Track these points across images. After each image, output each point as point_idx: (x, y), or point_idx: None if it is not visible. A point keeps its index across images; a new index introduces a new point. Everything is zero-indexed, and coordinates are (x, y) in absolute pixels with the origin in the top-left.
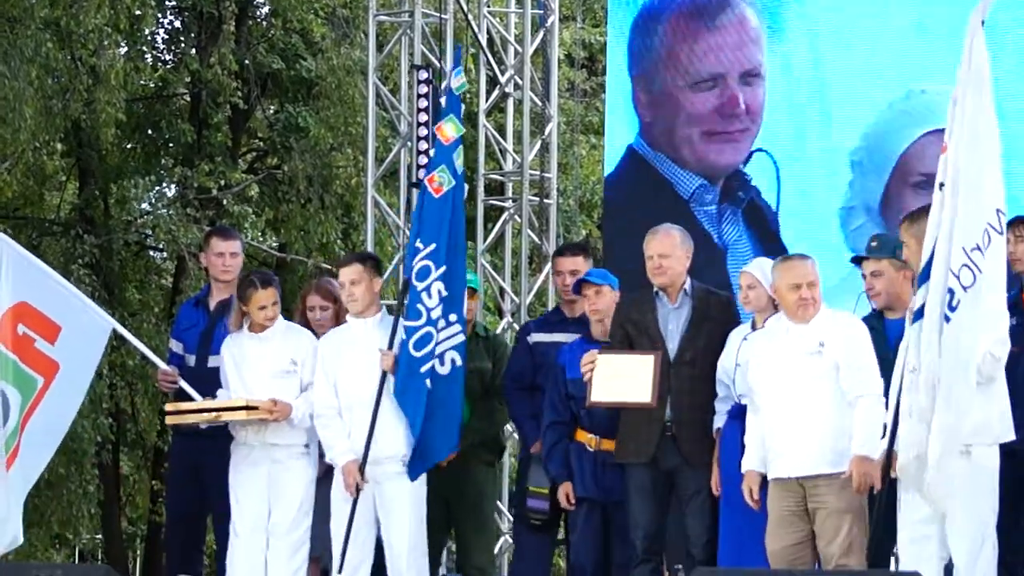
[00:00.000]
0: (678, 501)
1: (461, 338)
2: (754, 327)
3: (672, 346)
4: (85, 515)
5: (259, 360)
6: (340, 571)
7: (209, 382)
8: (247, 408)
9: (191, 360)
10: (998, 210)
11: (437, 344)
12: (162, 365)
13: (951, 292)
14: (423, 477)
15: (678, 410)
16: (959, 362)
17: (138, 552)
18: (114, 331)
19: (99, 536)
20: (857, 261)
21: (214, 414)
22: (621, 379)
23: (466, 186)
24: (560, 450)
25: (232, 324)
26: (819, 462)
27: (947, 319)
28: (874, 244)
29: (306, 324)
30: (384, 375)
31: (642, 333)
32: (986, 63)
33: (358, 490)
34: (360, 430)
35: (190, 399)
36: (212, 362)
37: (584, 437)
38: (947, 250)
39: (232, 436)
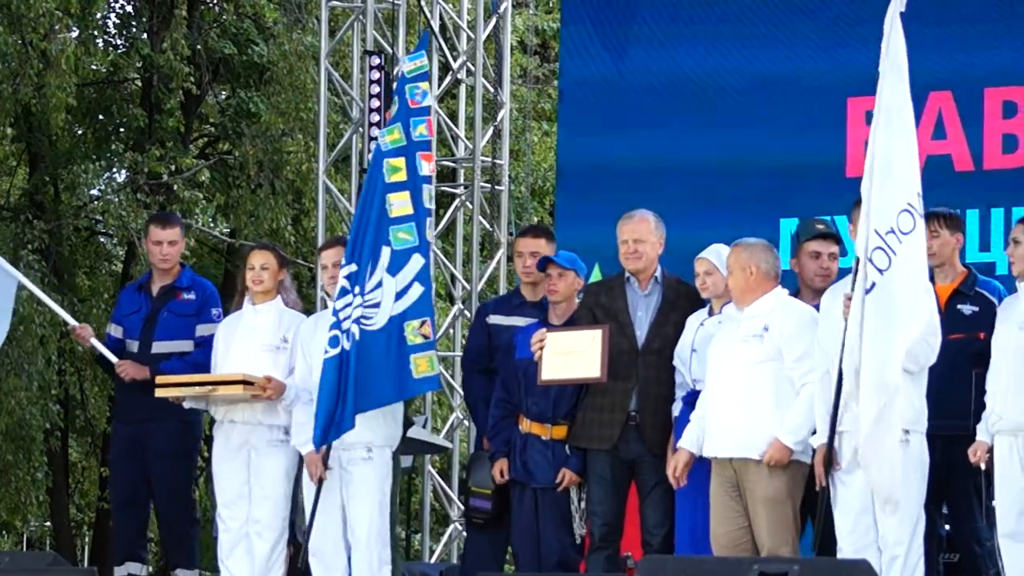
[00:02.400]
0: (639, 490)
1: (360, 311)
2: (711, 313)
3: (640, 333)
4: (33, 502)
5: (251, 331)
6: (303, 560)
7: (152, 368)
8: (243, 383)
9: (134, 346)
10: (918, 193)
11: (347, 318)
12: (71, 321)
13: (866, 276)
14: (390, 466)
15: (643, 399)
16: (879, 344)
17: (86, 539)
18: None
19: (47, 523)
20: (809, 239)
21: (208, 387)
22: (570, 356)
23: (394, 161)
24: (505, 427)
25: (235, 303)
26: (748, 447)
27: (864, 302)
28: (822, 227)
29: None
30: None
31: (611, 318)
32: (903, 51)
33: (321, 480)
34: None
35: (110, 364)
36: (156, 348)
37: (519, 420)
38: (864, 235)
39: (175, 421)
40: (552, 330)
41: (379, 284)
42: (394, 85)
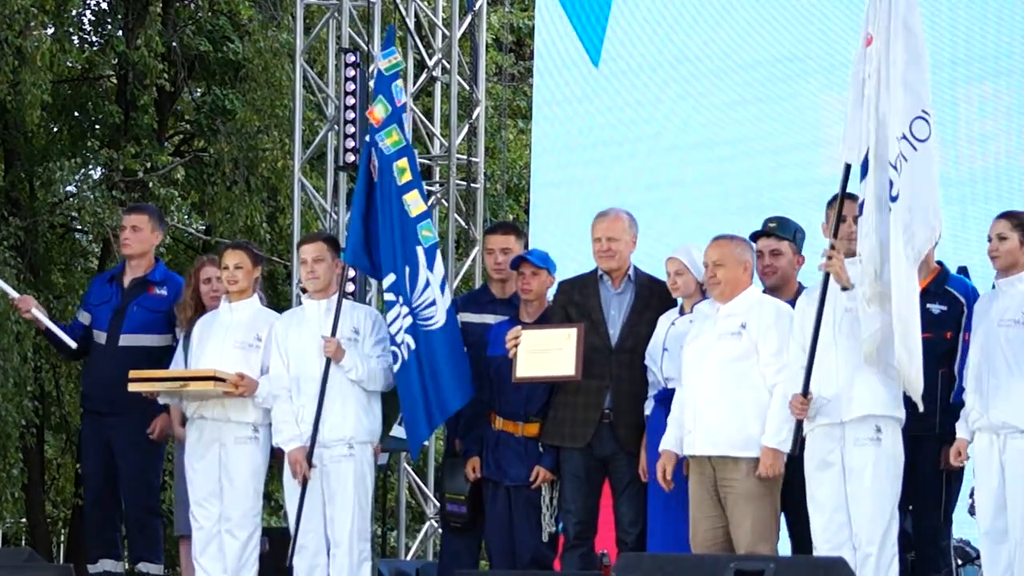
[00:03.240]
0: (613, 488)
1: (409, 320)
2: (682, 312)
3: (614, 331)
4: (9, 499)
5: (227, 329)
6: (290, 560)
7: (119, 361)
8: (214, 379)
9: (101, 337)
10: (924, 110)
11: (399, 330)
12: (13, 293)
13: (891, 182)
14: (370, 463)
15: (617, 397)
16: (902, 242)
17: (62, 536)
18: None
19: (23, 520)
20: (756, 238)
21: (180, 383)
22: (545, 353)
23: (399, 163)
24: (477, 425)
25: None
26: (727, 444)
27: (890, 209)
28: (773, 224)
29: (198, 298)
30: (328, 360)
31: (584, 316)
32: None
33: (305, 479)
34: (308, 411)
35: (64, 343)
36: (123, 341)
37: (491, 417)
38: (882, 139)
39: (142, 415)
40: (527, 327)
41: (428, 284)
42: (372, 69)
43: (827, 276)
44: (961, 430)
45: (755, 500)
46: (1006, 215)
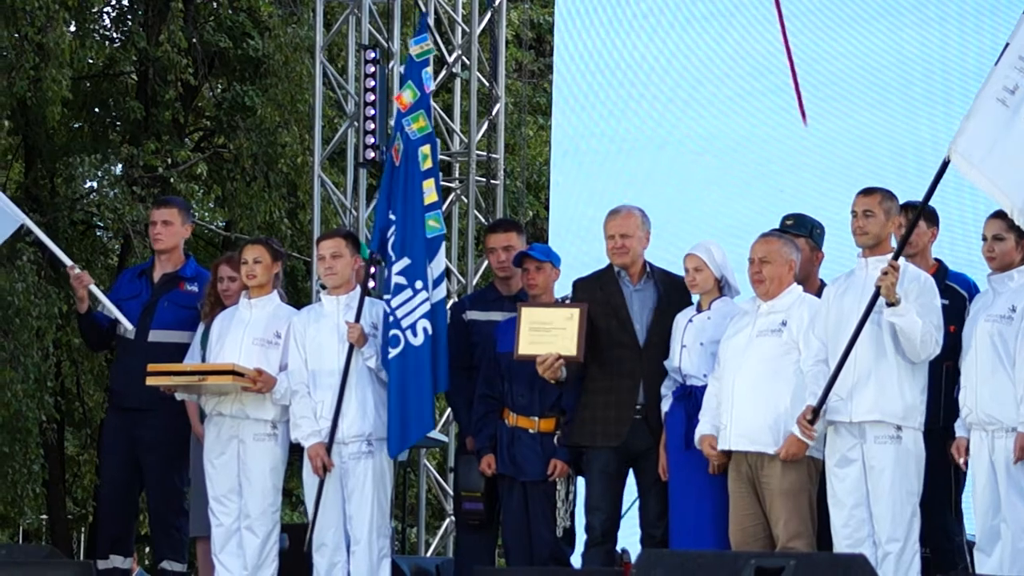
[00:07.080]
0: (641, 483)
1: (428, 306)
2: (699, 309)
3: (639, 328)
4: (30, 495)
5: (245, 325)
6: (307, 546)
7: (148, 358)
8: (233, 373)
9: (131, 332)
10: None
11: (409, 314)
12: (70, 262)
13: None
14: (389, 460)
15: (649, 393)
16: None
17: (83, 532)
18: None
19: (44, 516)
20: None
21: (198, 377)
22: (547, 332)
23: (423, 149)
24: (489, 422)
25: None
26: (762, 440)
27: None
28: (790, 222)
29: (217, 295)
30: (351, 348)
31: (611, 314)
32: None
33: (326, 470)
34: (327, 407)
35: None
36: (153, 337)
37: (505, 414)
38: None
39: (169, 413)
40: (526, 305)
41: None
42: (392, 66)
43: (876, 292)
44: (959, 428)
45: (790, 496)
46: (1000, 215)
